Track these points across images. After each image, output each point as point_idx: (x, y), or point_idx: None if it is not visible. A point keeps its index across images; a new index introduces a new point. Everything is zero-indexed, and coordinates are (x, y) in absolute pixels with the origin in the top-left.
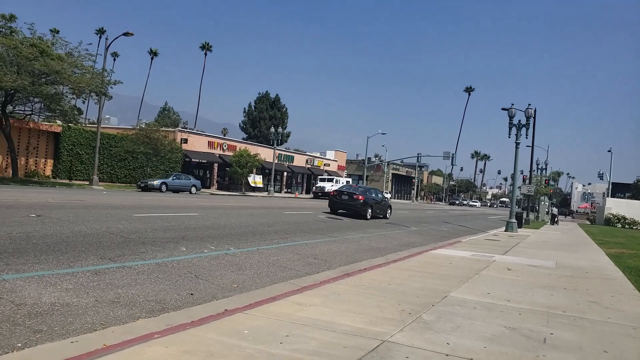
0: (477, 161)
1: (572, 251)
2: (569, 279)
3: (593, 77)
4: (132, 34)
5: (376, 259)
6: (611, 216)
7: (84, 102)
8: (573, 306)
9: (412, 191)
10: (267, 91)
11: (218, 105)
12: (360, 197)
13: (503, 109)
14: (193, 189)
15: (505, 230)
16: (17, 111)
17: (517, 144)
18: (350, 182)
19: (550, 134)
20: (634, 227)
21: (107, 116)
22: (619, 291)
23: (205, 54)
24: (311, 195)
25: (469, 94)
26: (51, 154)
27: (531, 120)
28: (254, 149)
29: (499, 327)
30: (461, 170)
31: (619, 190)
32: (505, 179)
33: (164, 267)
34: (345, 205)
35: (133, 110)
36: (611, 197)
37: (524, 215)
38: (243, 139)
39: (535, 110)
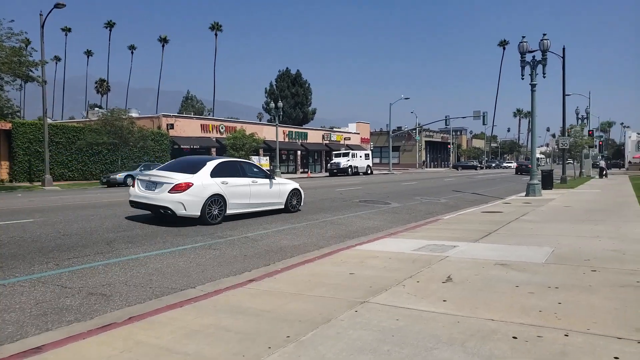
0: (519, 120)
1: (597, 221)
2: (550, 294)
3: None
4: (63, 5)
5: (242, 275)
6: None
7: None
8: None
9: (450, 157)
10: (287, 68)
11: (254, 89)
12: (529, 165)
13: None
14: None
15: (526, 195)
16: None
17: (533, 85)
18: (370, 155)
19: (606, 82)
20: None
21: (97, 109)
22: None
23: (216, 34)
24: (327, 174)
25: (504, 49)
26: (5, 155)
27: (548, 54)
28: (256, 128)
29: None
30: (508, 131)
31: None
32: (554, 136)
33: None
34: (524, 170)
35: (163, 103)
36: None
37: (560, 173)
38: (268, 120)
39: (563, 49)
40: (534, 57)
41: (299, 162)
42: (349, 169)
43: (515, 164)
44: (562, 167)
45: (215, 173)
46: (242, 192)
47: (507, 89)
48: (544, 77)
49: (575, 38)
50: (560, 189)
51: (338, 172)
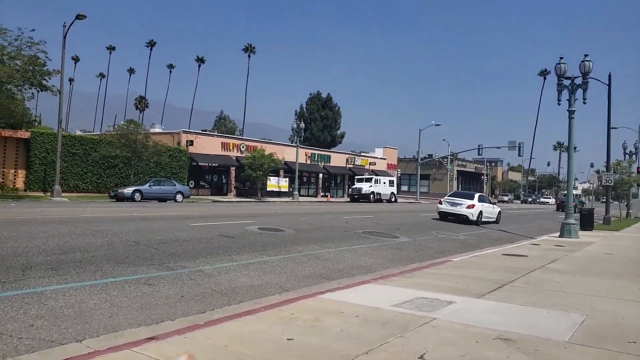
0: (560, 153)
1: None
2: None
3: None
4: (84, 16)
5: (160, 325)
6: None
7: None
8: None
9: (484, 189)
10: (318, 91)
11: (288, 111)
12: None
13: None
14: (179, 197)
15: (560, 236)
16: None
17: (571, 112)
18: (395, 182)
19: None
20: None
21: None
22: None
23: (249, 56)
24: (348, 199)
25: (545, 78)
26: (22, 164)
27: (593, 81)
28: (277, 149)
29: None
30: (548, 165)
31: None
32: (598, 172)
33: None
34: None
35: (198, 123)
36: None
37: (603, 212)
38: (295, 142)
39: (609, 76)
40: (572, 81)
41: (320, 185)
42: (371, 195)
43: (554, 199)
44: (606, 206)
45: (479, 200)
46: (486, 210)
47: (547, 121)
48: (584, 102)
49: (625, 66)
50: (601, 230)
51: (360, 197)
